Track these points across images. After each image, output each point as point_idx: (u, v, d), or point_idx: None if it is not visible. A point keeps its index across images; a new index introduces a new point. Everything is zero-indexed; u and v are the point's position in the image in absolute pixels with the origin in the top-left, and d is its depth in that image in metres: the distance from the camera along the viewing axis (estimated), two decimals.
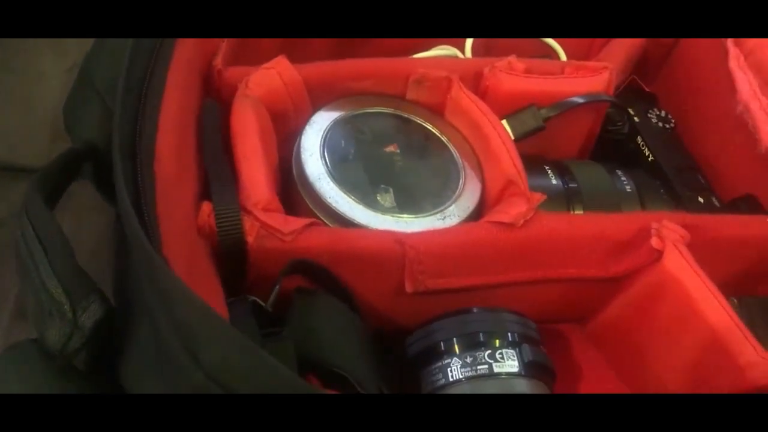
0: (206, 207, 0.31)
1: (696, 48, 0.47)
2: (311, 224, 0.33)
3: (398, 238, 0.33)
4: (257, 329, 0.29)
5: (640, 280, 0.35)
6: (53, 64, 0.52)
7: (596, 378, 0.38)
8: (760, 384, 0.31)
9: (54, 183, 0.35)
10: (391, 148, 0.39)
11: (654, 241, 0.34)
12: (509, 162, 0.37)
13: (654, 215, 0.37)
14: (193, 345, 0.24)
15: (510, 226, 0.34)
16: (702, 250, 0.36)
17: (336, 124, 0.38)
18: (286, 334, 0.30)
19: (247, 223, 0.31)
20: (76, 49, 0.51)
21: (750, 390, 0.31)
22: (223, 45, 0.38)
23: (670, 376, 0.35)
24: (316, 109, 0.39)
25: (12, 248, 0.35)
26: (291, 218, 0.33)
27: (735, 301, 0.38)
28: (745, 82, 0.42)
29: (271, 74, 0.37)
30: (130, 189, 0.28)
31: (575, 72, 0.42)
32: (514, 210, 0.35)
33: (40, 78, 0.51)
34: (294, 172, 0.37)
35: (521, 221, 0.35)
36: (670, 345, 0.35)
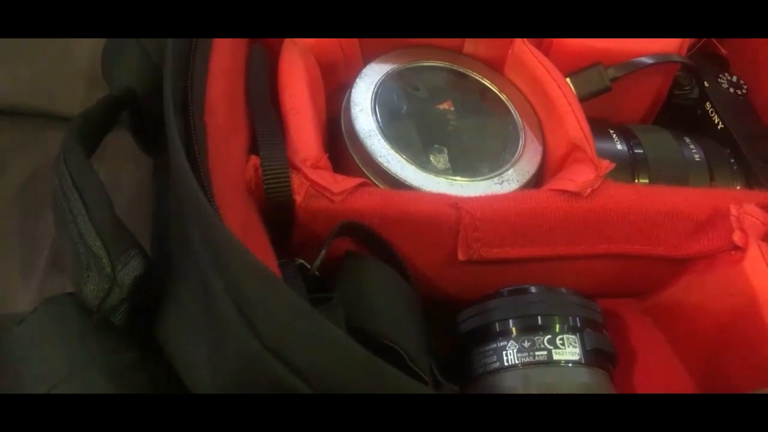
0: (254, 161, 0.29)
1: None
2: (362, 184, 0.30)
3: (453, 202, 0.31)
4: (306, 295, 0.27)
5: (712, 269, 0.33)
6: None
7: (656, 358, 0.36)
8: None
9: (92, 131, 0.34)
10: (445, 105, 0.36)
11: (737, 236, 0.31)
12: (575, 124, 0.34)
13: (731, 193, 0.34)
14: (249, 310, 0.22)
15: (575, 195, 0.32)
16: None
17: (388, 77, 0.36)
18: (336, 300, 0.28)
19: (296, 181, 0.29)
20: None
21: None
22: None
23: (727, 364, 0.33)
24: (367, 61, 0.37)
25: (49, 198, 0.33)
26: (341, 177, 0.30)
27: None
28: None
29: None
30: (182, 141, 0.26)
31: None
32: (580, 177, 0.32)
33: None
34: (343, 127, 0.34)
35: (588, 190, 0.32)
36: (731, 335, 0.32)
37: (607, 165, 0.33)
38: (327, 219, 0.30)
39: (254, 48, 0.34)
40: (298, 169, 0.30)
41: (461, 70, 0.38)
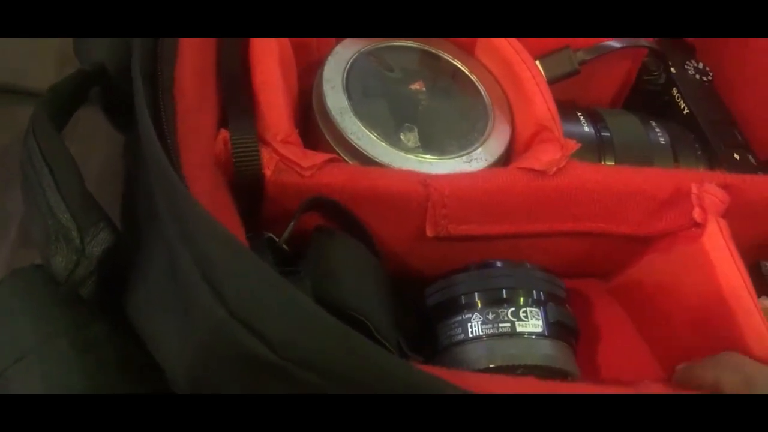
0: (223, 134, 0.30)
1: None
2: (331, 160, 0.31)
3: (422, 179, 0.31)
4: (275, 267, 0.28)
5: (673, 246, 0.34)
6: None
7: (619, 336, 0.37)
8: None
9: (62, 105, 0.34)
10: (416, 86, 0.37)
11: (696, 213, 0.32)
12: (543, 105, 0.35)
13: (693, 174, 0.35)
14: (216, 279, 0.22)
15: (541, 173, 0.33)
16: (737, 212, 0.34)
17: (360, 56, 0.36)
18: (303, 273, 0.28)
19: (265, 155, 0.30)
20: None
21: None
22: None
23: (688, 341, 0.34)
24: (339, 39, 0.37)
25: (18, 172, 0.33)
26: (310, 152, 0.31)
27: (765, 265, 0.36)
28: None
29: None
30: (150, 115, 0.26)
31: None
32: (546, 157, 0.33)
33: None
34: (314, 104, 0.35)
35: (553, 169, 0.33)
36: (692, 313, 0.33)
37: (573, 145, 0.34)
38: (296, 194, 0.30)
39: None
40: (267, 144, 0.30)
41: (433, 51, 0.38)
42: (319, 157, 0.30)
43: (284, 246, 0.30)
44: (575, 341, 0.32)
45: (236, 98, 0.31)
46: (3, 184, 0.41)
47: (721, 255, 0.32)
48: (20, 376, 0.29)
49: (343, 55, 0.36)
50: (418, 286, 0.33)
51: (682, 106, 0.43)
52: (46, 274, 0.30)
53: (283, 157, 0.30)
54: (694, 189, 0.34)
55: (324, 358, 0.22)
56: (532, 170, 0.33)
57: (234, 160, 0.29)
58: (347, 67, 0.35)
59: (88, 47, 0.37)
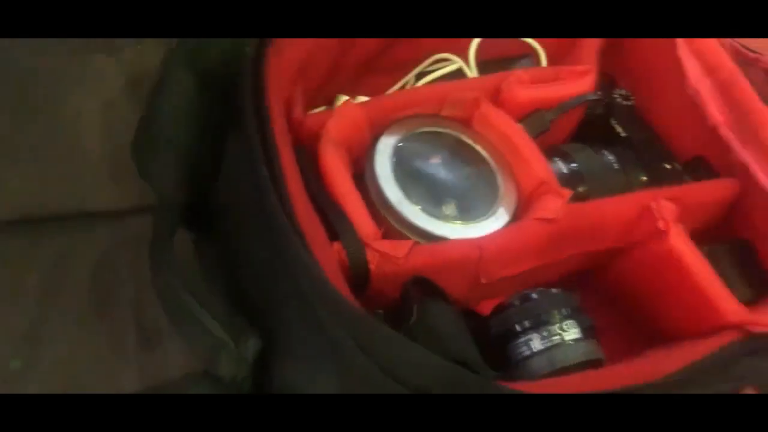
0: (337, 247, 0.39)
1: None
2: (413, 244, 0.41)
3: (477, 244, 0.42)
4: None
5: (647, 250, 0.46)
6: (85, 100, 0.55)
7: (614, 324, 0.49)
8: (728, 321, 0.43)
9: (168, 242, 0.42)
10: (439, 161, 0.47)
11: (660, 224, 0.45)
12: (539, 164, 0.46)
13: (648, 194, 0.48)
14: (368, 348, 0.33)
15: (552, 220, 0.44)
16: (681, 216, 0.48)
17: (398, 148, 0.46)
18: (415, 333, 0.39)
19: (369, 254, 0.40)
20: (107, 84, 0.55)
21: (726, 326, 0.43)
22: (297, 95, 0.44)
23: (671, 322, 0.47)
24: (375, 136, 0.46)
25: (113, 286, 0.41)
26: (396, 243, 0.41)
27: (706, 249, 0.50)
28: (694, 68, 0.53)
29: (345, 118, 0.44)
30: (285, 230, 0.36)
31: (567, 76, 0.52)
32: (551, 206, 0.45)
33: (76, 118, 0.54)
34: (373, 196, 0.44)
35: (560, 215, 0.45)
36: (671, 296, 0.47)
37: (566, 192, 0.46)
38: (394, 276, 0.40)
39: (298, 149, 0.42)
40: (368, 245, 0.40)
41: (442, 130, 0.49)
42: (406, 245, 0.41)
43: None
44: (597, 333, 0.45)
45: (336, 212, 0.40)
46: (107, 299, 0.48)
47: (686, 250, 0.45)
48: None
49: (385, 150, 0.45)
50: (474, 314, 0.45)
51: (618, 131, 0.56)
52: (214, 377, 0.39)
53: (383, 253, 0.40)
54: (653, 205, 0.47)
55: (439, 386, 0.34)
56: (545, 219, 0.44)
57: (350, 264, 0.39)
58: (392, 160, 0.45)
59: (156, 176, 0.45)
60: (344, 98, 0.55)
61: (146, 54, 0.58)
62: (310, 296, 0.35)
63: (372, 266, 0.40)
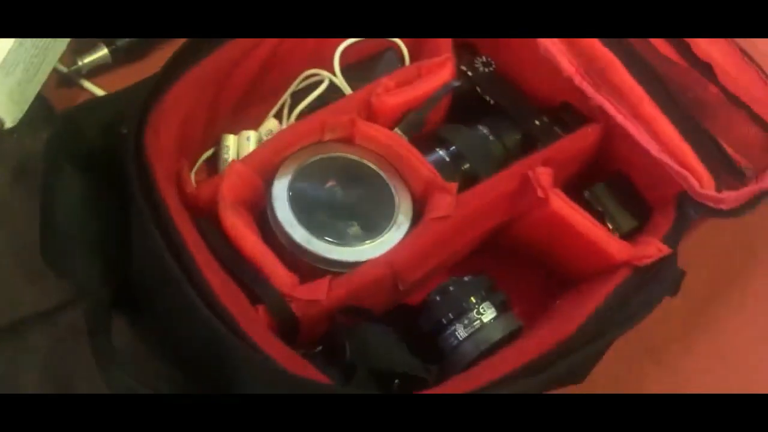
0: (261, 309, 0.43)
1: None
2: (330, 280, 0.45)
3: (386, 261, 0.46)
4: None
5: (534, 216, 0.51)
6: None
7: (524, 281, 0.55)
8: (616, 260, 0.49)
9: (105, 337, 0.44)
10: (334, 186, 0.50)
11: (540, 192, 0.50)
12: (424, 168, 0.50)
13: (524, 163, 0.52)
14: None
15: (446, 217, 0.49)
16: (556, 170, 0.53)
17: (291, 188, 0.49)
18: (356, 362, 0.43)
19: (293, 306, 0.43)
20: None
21: (616, 264, 0.49)
22: (184, 167, 0.47)
23: (572, 268, 0.53)
24: (268, 183, 0.49)
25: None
26: (315, 284, 0.44)
27: (587, 193, 0.55)
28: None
29: (235, 179, 0.46)
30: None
31: (428, 70, 0.55)
32: (443, 203, 0.49)
33: None
34: (283, 242, 0.47)
35: (452, 209, 0.49)
36: (564, 251, 0.52)
37: (453, 186, 0.50)
38: (319, 315, 0.44)
39: (200, 221, 0.45)
40: (290, 297, 0.43)
41: (330, 155, 0.51)
42: (323, 284, 0.44)
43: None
44: (510, 303, 0.50)
45: (252, 275, 0.43)
46: None
47: (566, 210, 0.50)
48: None
49: (281, 195, 0.48)
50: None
51: (487, 99, 0.60)
52: None
53: (306, 300, 0.43)
54: (531, 175, 0.51)
55: None
56: (440, 218, 0.49)
57: (277, 320, 0.43)
58: (290, 203, 0.48)
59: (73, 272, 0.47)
60: (231, 137, 0.57)
61: (24, 141, 0.58)
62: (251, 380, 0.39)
63: (299, 315, 0.43)
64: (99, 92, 0.59)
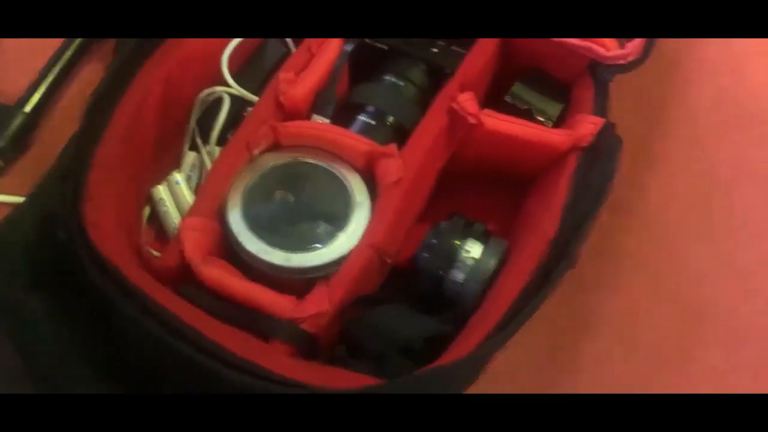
0: (277, 343, 0.43)
1: None
2: (326, 286, 0.46)
3: (367, 243, 0.47)
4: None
5: (474, 137, 0.53)
6: None
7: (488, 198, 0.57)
8: (562, 149, 0.52)
9: None
10: (286, 196, 0.50)
11: (471, 119, 0.51)
12: (357, 142, 0.51)
13: (445, 95, 0.53)
14: None
15: (400, 181, 0.50)
16: (474, 90, 0.54)
17: (246, 217, 0.48)
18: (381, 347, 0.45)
19: (305, 325, 0.44)
20: None
21: (563, 151, 0.52)
22: (142, 248, 0.46)
23: (525, 168, 0.55)
24: (223, 221, 0.48)
25: None
26: (314, 296, 0.45)
27: (508, 97, 0.57)
28: None
29: (193, 237, 0.46)
30: None
31: (318, 48, 0.54)
32: (391, 168, 0.50)
33: None
34: (265, 270, 0.47)
35: (401, 173, 0.50)
36: (513, 156, 0.54)
37: (392, 149, 0.50)
38: (332, 322, 0.45)
39: (183, 288, 0.44)
40: (296, 319, 0.44)
41: (268, 167, 0.51)
42: (322, 293, 0.45)
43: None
44: (489, 230, 0.52)
45: (255, 319, 0.44)
46: None
47: (503, 125, 0.52)
48: None
49: (238, 228, 0.48)
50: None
51: (380, 46, 0.60)
52: None
53: (313, 316, 0.44)
54: (455, 107, 0.53)
55: None
56: (394, 183, 0.49)
57: (298, 348, 0.44)
58: (252, 231, 0.48)
59: None
60: (161, 188, 0.55)
61: None
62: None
63: (313, 331, 0.44)
64: (9, 199, 0.57)
